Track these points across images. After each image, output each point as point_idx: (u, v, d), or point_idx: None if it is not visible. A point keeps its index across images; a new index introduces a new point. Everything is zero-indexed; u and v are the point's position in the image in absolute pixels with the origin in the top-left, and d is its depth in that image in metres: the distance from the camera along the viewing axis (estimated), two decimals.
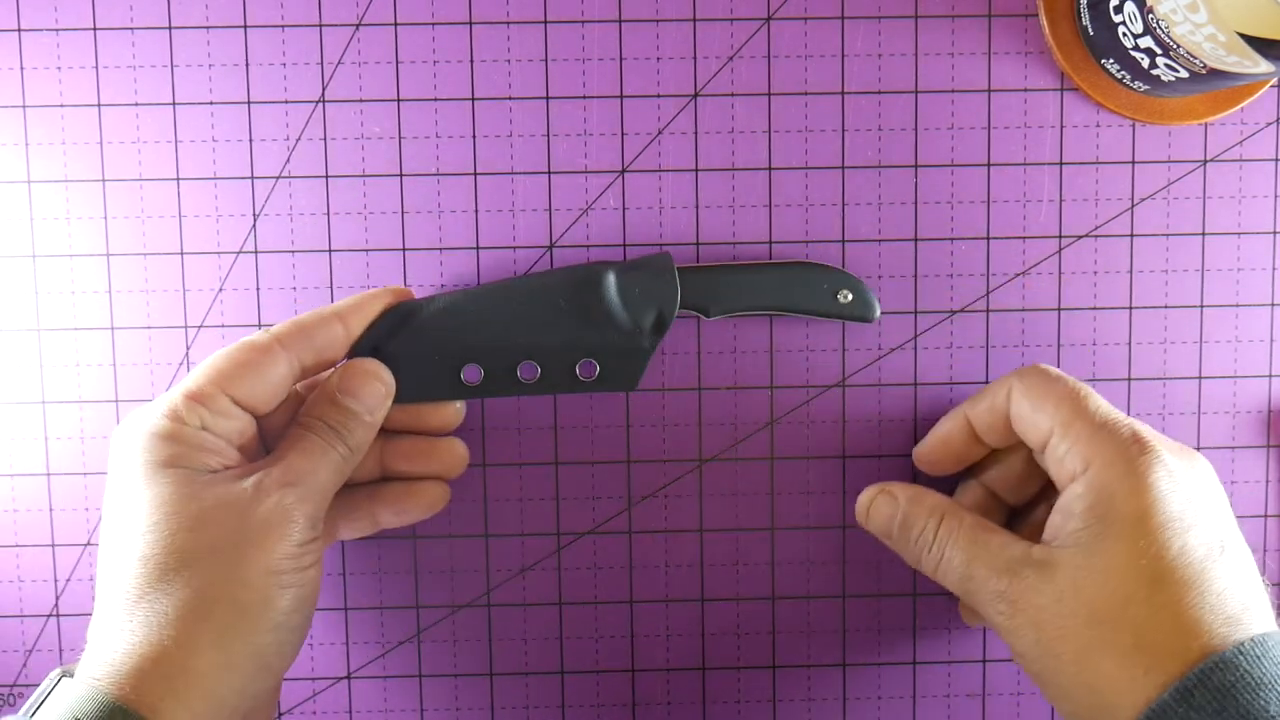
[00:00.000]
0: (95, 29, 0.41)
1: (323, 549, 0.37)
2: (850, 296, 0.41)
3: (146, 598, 0.32)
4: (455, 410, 0.41)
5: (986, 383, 0.43)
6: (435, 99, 0.41)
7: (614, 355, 0.40)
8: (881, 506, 0.39)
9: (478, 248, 0.42)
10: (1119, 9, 0.37)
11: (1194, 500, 0.34)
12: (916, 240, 0.42)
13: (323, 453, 0.36)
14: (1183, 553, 0.33)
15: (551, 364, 0.40)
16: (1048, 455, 0.36)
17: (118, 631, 0.32)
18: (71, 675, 0.32)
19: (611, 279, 0.39)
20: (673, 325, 0.40)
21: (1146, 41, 0.37)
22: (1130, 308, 0.42)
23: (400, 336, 0.39)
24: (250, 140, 0.41)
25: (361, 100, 0.41)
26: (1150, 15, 0.36)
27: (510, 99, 0.41)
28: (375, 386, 0.38)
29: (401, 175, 0.42)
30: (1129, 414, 0.43)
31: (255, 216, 0.42)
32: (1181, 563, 0.32)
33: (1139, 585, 0.33)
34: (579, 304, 0.39)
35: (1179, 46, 0.35)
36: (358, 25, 0.41)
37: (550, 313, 0.39)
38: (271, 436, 0.38)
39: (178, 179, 0.42)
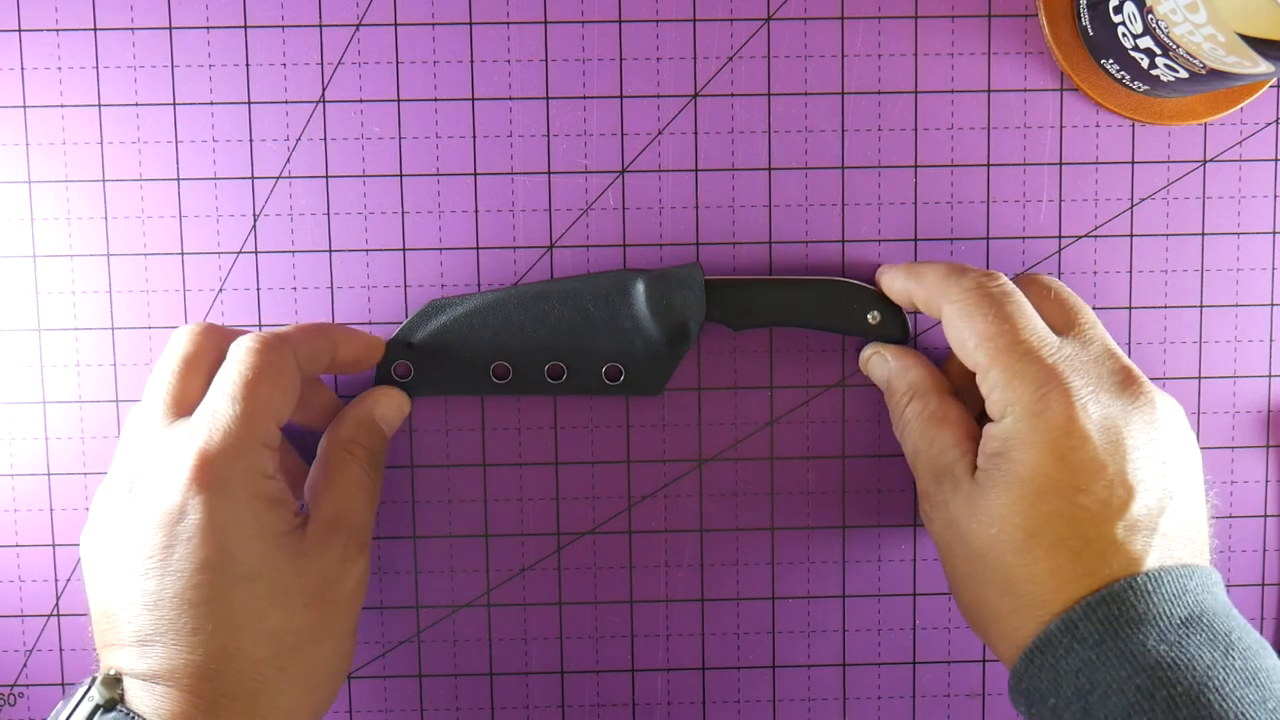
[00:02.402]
0: (95, 29, 0.41)
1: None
2: (880, 317, 0.40)
3: (250, 673, 0.32)
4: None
5: None
6: (435, 99, 0.41)
7: (640, 361, 0.41)
8: (875, 367, 0.41)
9: (478, 248, 0.42)
10: (1119, 9, 0.37)
11: (1107, 451, 0.33)
12: (916, 240, 0.42)
13: (366, 483, 0.38)
14: (1070, 509, 0.32)
15: (579, 366, 0.41)
16: (980, 385, 0.35)
17: (215, 701, 0.31)
18: (115, 690, 0.32)
19: (641, 288, 0.40)
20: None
21: (1146, 42, 0.37)
22: (1130, 308, 0.42)
23: (434, 331, 0.40)
24: (250, 140, 0.41)
25: (361, 100, 0.41)
26: (1150, 15, 0.36)
27: (510, 99, 0.42)
28: (401, 414, 0.41)
29: (401, 175, 0.42)
30: None
31: (255, 216, 0.42)
32: (1065, 519, 0.32)
33: (1013, 535, 0.33)
34: (608, 310, 0.40)
35: (1178, 47, 0.35)
36: (358, 25, 0.41)
37: (580, 317, 0.40)
38: None
39: (178, 179, 0.42)
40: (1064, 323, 0.36)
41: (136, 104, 0.41)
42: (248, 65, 0.41)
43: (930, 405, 0.38)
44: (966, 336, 0.35)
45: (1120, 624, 0.31)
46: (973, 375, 0.36)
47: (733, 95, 0.42)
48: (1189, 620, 0.31)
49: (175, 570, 0.32)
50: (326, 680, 0.35)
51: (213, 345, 0.36)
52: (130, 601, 0.32)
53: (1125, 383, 0.34)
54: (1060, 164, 0.42)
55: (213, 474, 0.32)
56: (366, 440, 0.38)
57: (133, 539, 0.32)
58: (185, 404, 0.35)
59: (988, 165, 0.42)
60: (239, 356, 0.34)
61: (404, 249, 0.42)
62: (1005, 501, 0.33)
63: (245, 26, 0.41)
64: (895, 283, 0.39)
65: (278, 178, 0.42)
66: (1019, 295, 0.36)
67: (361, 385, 0.42)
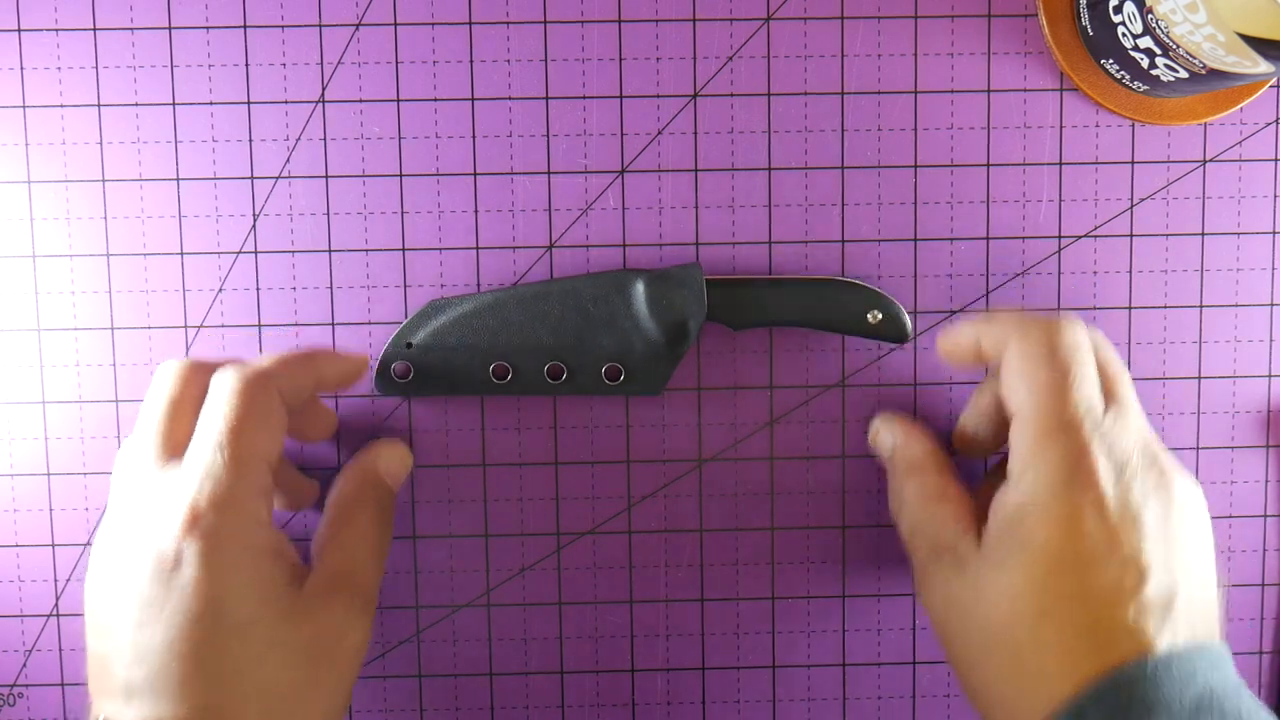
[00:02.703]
0: (95, 29, 0.41)
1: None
2: (880, 316, 0.40)
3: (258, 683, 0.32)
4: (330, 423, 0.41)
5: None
6: (435, 99, 0.41)
7: (640, 361, 0.41)
8: (882, 442, 0.41)
9: (478, 248, 0.42)
10: (1118, 9, 0.37)
11: (1124, 531, 0.32)
12: (916, 240, 0.42)
13: (375, 538, 0.38)
14: (1081, 588, 0.32)
15: (579, 366, 0.41)
16: (1011, 434, 0.35)
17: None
18: None
19: (641, 288, 0.40)
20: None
21: (1146, 42, 0.37)
22: (1130, 308, 0.42)
23: (434, 331, 0.41)
24: (250, 140, 0.41)
25: (361, 100, 0.41)
26: (1149, 15, 0.36)
27: (510, 99, 0.42)
28: (405, 468, 0.41)
29: (401, 175, 0.42)
30: None
31: (255, 216, 0.42)
32: (1077, 598, 0.32)
33: (1023, 613, 0.32)
34: (608, 310, 0.40)
35: (1178, 46, 0.35)
36: (358, 25, 0.41)
37: (580, 317, 0.40)
38: None
39: (178, 179, 0.42)
40: (1108, 385, 0.35)
41: (136, 104, 0.41)
42: (247, 65, 0.41)
43: (930, 481, 0.37)
44: (1022, 383, 0.34)
45: (1130, 712, 0.30)
46: (988, 425, 0.37)
47: (732, 95, 0.42)
48: (1199, 704, 0.30)
49: (167, 621, 0.31)
50: None
51: (199, 380, 0.35)
52: (122, 649, 0.32)
53: (1150, 463, 0.34)
54: (1060, 164, 0.42)
55: (206, 526, 0.32)
56: (372, 495, 0.38)
57: (127, 587, 0.32)
58: (176, 445, 0.34)
59: (987, 165, 0.42)
60: (222, 397, 0.34)
61: (404, 249, 0.42)
62: (1016, 577, 0.33)
63: (245, 26, 0.41)
64: (962, 333, 0.37)
65: (277, 178, 0.42)
66: (1087, 357, 0.34)
67: (361, 409, 0.42)
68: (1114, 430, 0.33)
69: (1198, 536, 0.34)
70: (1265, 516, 0.43)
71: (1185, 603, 0.32)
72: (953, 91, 0.42)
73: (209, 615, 0.31)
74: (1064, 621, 0.32)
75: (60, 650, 0.43)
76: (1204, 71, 0.36)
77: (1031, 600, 0.32)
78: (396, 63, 0.41)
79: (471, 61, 0.41)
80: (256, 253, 0.42)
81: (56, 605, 0.43)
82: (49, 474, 0.42)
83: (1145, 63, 0.38)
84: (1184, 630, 0.32)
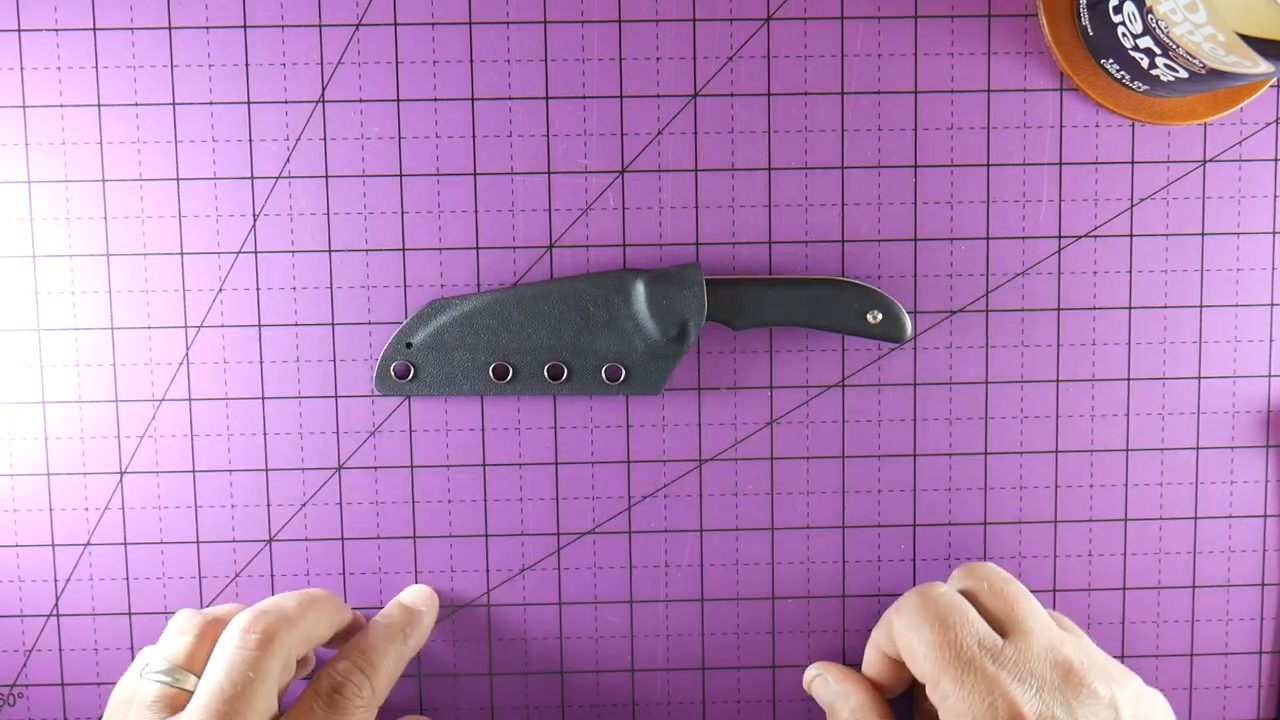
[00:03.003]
0: (95, 29, 0.41)
1: None
2: (880, 317, 0.40)
3: None
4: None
5: (985, 383, 0.43)
6: (435, 99, 0.41)
7: (640, 361, 0.41)
8: (818, 689, 0.42)
9: (478, 248, 0.42)
10: (1118, 9, 0.37)
11: None
12: (916, 240, 0.42)
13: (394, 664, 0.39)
14: None
15: (579, 366, 0.41)
16: (930, 695, 0.36)
17: None
18: None
19: (641, 287, 0.40)
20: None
21: (1146, 41, 0.37)
22: (1130, 308, 0.42)
23: (434, 331, 0.41)
24: (250, 140, 0.41)
25: (361, 100, 0.41)
26: (1149, 15, 0.36)
27: (510, 99, 0.42)
28: (432, 609, 0.42)
29: (401, 175, 0.42)
30: (1129, 414, 0.43)
31: (255, 216, 0.42)
32: None
33: None
34: (608, 310, 0.40)
35: (1178, 46, 0.35)
36: (358, 25, 0.41)
37: (580, 317, 0.40)
38: None
39: (178, 179, 0.42)
40: (1004, 616, 0.37)
41: (136, 104, 0.41)
42: (247, 65, 0.41)
43: None
44: (916, 646, 0.36)
45: None
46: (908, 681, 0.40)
47: (732, 95, 0.42)
48: None
49: None
50: None
51: (210, 636, 0.37)
52: None
53: (1066, 677, 0.35)
54: (1060, 164, 0.42)
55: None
56: (404, 624, 0.40)
57: None
58: (175, 706, 0.35)
59: (987, 165, 0.42)
60: (230, 662, 0.35)
61: (404, 249, 0.42)
62: None
63: (245, 26, 0.41)
64: (872, 657, 0.41)
65: (277, 178, 0.42)
66: (961, 602, 0.37)
67: (361, 409, 0.42)
68: (1019, 658, 0.35)
69: None
70: (1265, 516, 0.43)
71: None
72: (953, 91, 0.42)
73: None
74: None
75: (60, 650, 0.43)
76: (1204, 71, 0.36)
77: None
78: (396, 63, 0.41)
79: (471, 61, 0.41)
80: (256, 253, 0.42)
81: (56, 605, 0.43)
82: (49, 474, 0.42)
83: (1145, 63, 0.38)
84: None
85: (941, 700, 0.35)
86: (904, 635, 0.37)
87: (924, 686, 0.37)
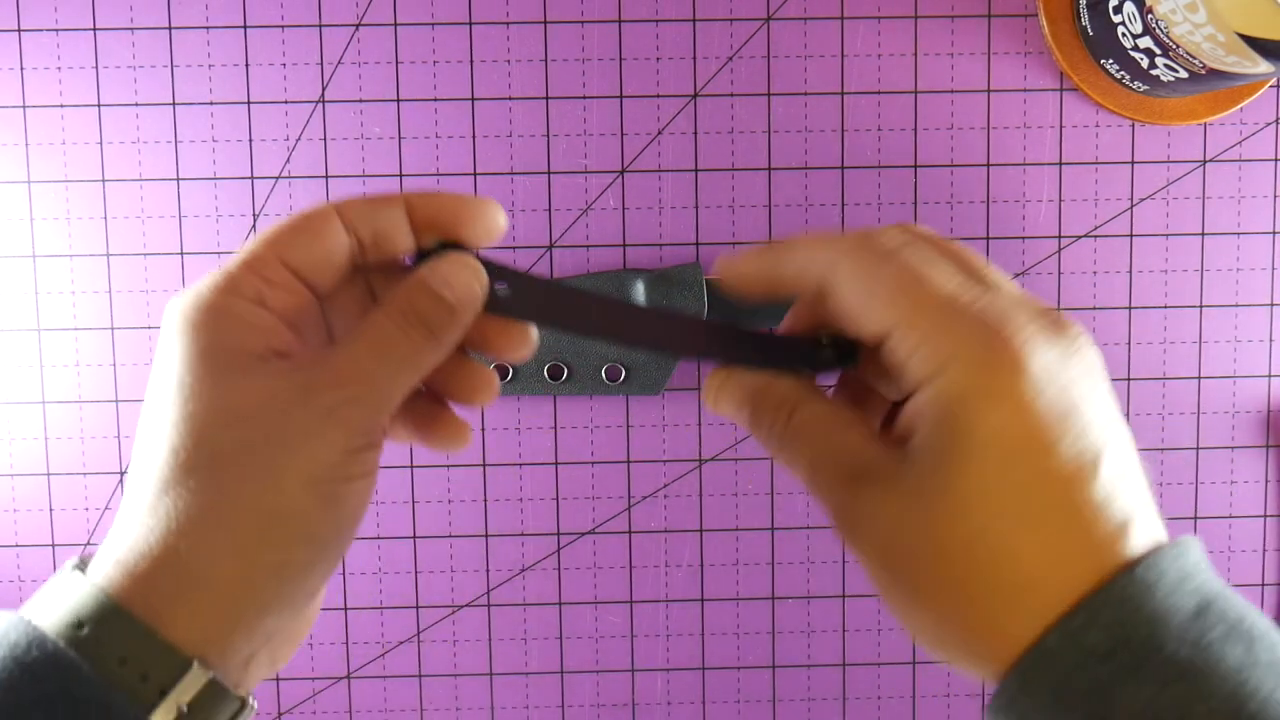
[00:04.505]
0: (95, 29, 0.41)
1: (378, 458, 0.30)
2: None
3: (169, 494, 0.28)
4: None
5: None
6: (435, 99, 0.41)
7: (640, 361, 0.41)
8: (729, 393, 0.32)
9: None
10: (1118, 9, 0.37)
11: (1065, 401, 0.27)
12: None
13: (395, 347, 0.29)
14: (1045, 474, 0.27)
15: (579, 366, 0.41)
16: (888, 355, 0.29)
17: (136, 527, 0.28)
18: (85, 567, 0.28)
19: (641, 287, 0.40)
20: None
21: (1146, 42, 0.37)
22: (1130, 308, 0.42)
23: None
24: (250, 140, 0.41)
25: (361, 100, 0.41)
26: (1150, 15, 0.36)
27: (510, 99, 0.42)
28: (470, 279, 0.30)
29: (401, 175, 0.42)
30: (1129, 414, 0.43)
31: (255, 216, 0.42)
32: (1042, 486, 0.27)
33: (979, 521, 0.27)
34: None
35: (1178, 46, 0.35)
36: (358, 25, 0.41)
37: None
38: (339, 331, 0.32)
39: (178, 179, 0.42)
40: (968, 272, 0.30)
41: (136, 104, 0.41)
42: (247, 65, 0.41)
43: (819, 409, 0.31)
44: (875, 293, 0.29)
45: (1132, 628, 0.26)
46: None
47: (732, 95, 0.42)
48: (1200, 611, 0.27)
49: (140, 423, 0.29)
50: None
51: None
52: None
53: (1056, 325, 0.29)
54: (1060, 164, 0.42)
55: (181, 303, 0.30)
56: (402, 300, 0.30)
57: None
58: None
59: (987, 165, 0.42)
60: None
61: None
62: (964, 480, 0.28)
63: (245, 26, 0.41)
64: (749, 264, 0.32)
65: (277, 178, 0.42)
66: (922, 244, 0.30)
67: None
68: (1000, 302, 0.28)
69: (1112, 398, 0.29)
70: (1265, 516, 0.43)
71: (1134, 474, 0.28)
72: (953, 91, 0.42)
73: (162, 380, 0.29)
74: (1027, 519, 0.27)
75: None
76: (1204, 71, 0.36)
77: (987, 501, 0.27)
78: (396, 63, 0.41)
79: (471, 61, 0.41)
80: None
81: None
82: (49, 474, 0.42)
83: (1145, 63, 0.38)
84: (1144, 507, 0.28)
85: (912, 352, 0.28)
86: (851, 284, 0.29)
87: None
